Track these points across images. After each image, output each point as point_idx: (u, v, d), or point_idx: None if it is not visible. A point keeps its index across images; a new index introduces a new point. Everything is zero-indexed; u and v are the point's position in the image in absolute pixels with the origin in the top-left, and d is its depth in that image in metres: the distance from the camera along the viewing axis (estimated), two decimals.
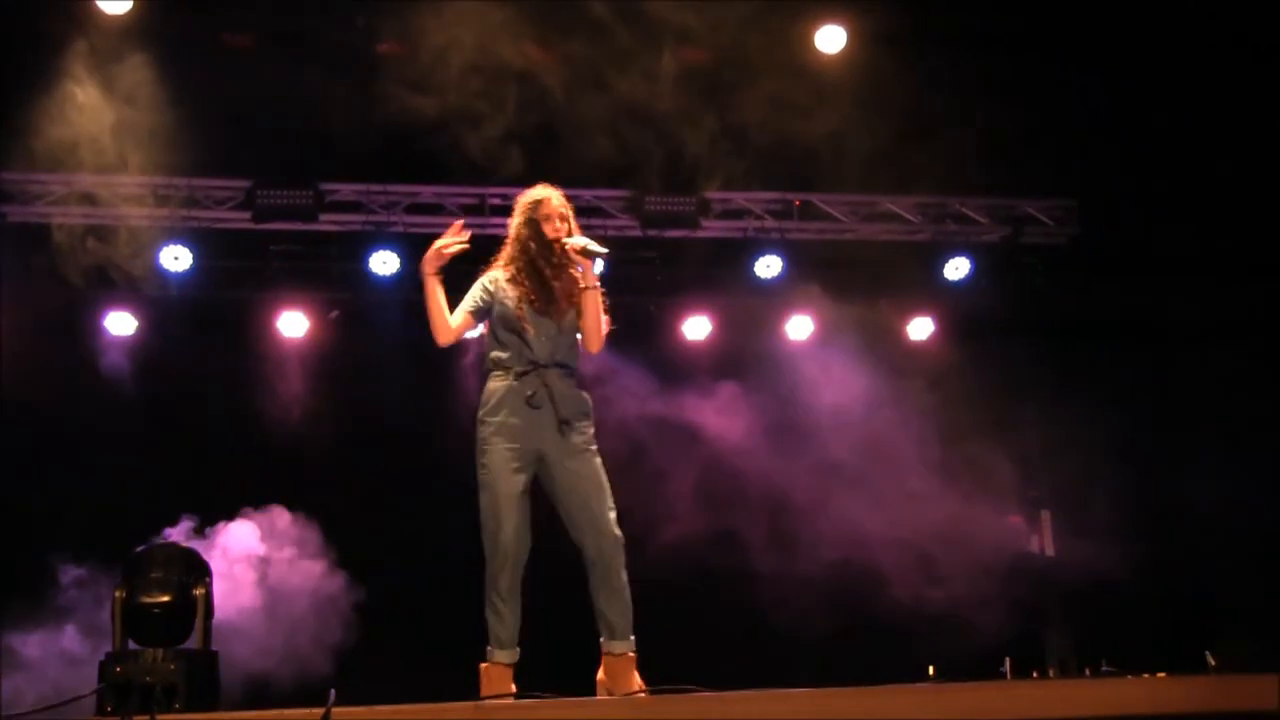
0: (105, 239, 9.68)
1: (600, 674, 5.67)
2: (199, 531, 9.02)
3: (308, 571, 9.25)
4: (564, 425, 5.64)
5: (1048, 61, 9.46)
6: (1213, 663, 6.46)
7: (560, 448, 5.65)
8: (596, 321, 5.79)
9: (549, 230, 5.78)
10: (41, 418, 9.54)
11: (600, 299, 5.81)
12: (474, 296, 5.87)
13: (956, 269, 10.82)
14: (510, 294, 5.76)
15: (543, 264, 5.76)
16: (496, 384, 5.73)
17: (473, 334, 6.10)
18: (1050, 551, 10.47)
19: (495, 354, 5.78)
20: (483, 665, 5.61)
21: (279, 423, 9.99)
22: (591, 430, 5.75)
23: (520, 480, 5.61)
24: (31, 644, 8.67)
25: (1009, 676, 7.83)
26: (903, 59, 9.28)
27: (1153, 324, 10.23)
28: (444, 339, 5.84)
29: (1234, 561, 9.02)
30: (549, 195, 5.85)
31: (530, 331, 5.70)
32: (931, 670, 7.80)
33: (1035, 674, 7.99)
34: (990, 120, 9.56)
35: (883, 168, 9.95)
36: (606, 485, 5.67)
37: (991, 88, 9.47)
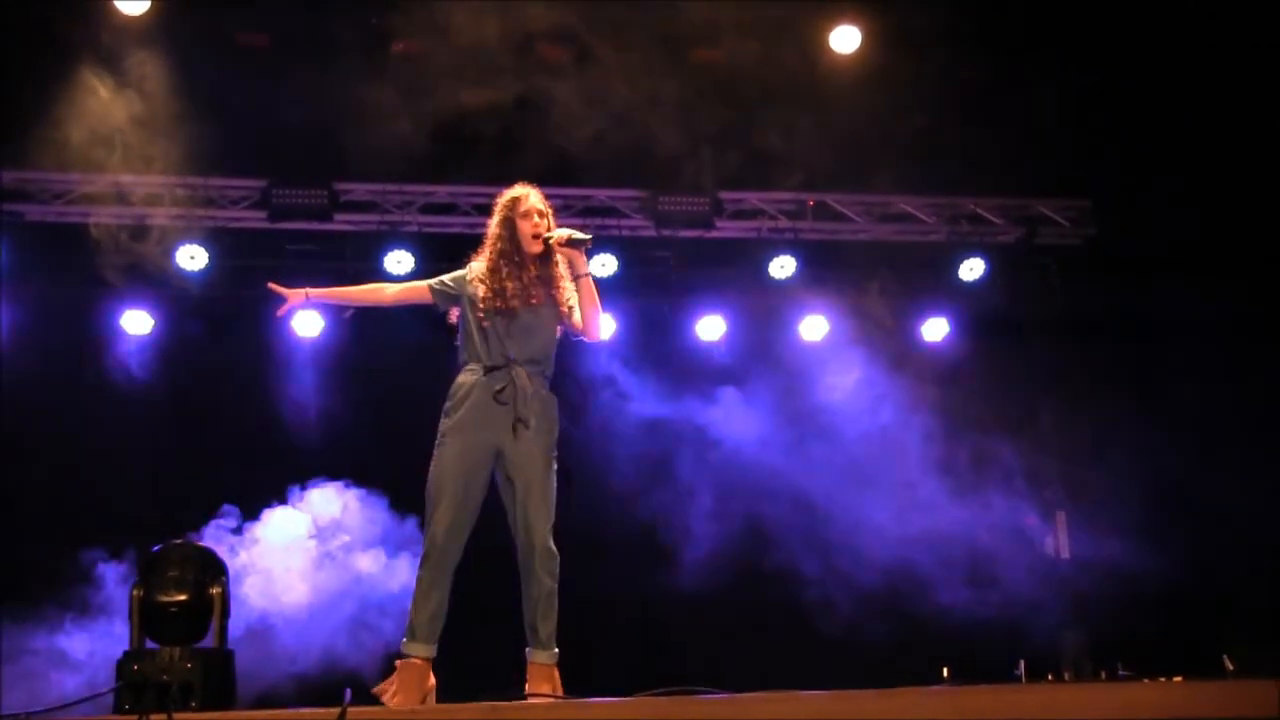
0: (123, 238, 9.72)
1: (528, 684, 5.59)
2: (236, 530, 9.10)
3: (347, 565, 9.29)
4: (520, 424, 5.60)
5: (1063, 61, 9.43)
6: (1231, 667, 6.44)
7: (515, 448, 5.63)
8: (592, 308, 5.80)
9: (526, 227, 5.82)
10: (57, 415, 9.59)
11: (594, 286, 5.82)
12: (443, 277, 5.93)
13: (971, 270, 10.80)
14: (482, 290, 5.77)
15: (515, 261, 5.79)
16: (466, 378, 5.74)
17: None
18: (1066, 553, 10.44)
19: (467, 348, 5.80)
20: (398, 660, 5.50)
21: (293, 422, 10.00)
22: (553, 435, 5.73)
23: (468, 477, 5.58)
24: (78, 643, 8.71)
25: (1024, 679, 7.82)
26: (917, 59, 9.26)
27: (1168, 324, 10.19)
28: (380, 298, 6.12)
29: (1254, 564, 8.99)
30: (526, 193, 5.90)
31: (501, 328, 5.70)
32: (946, 672, 7.79)
33: (1050, 677, 7.98)
34: (1005, 120, 9.55)
35: (897, 168, 9.94)
36: (550, 496, 5.63)
37: (1006, 88, 9.46)
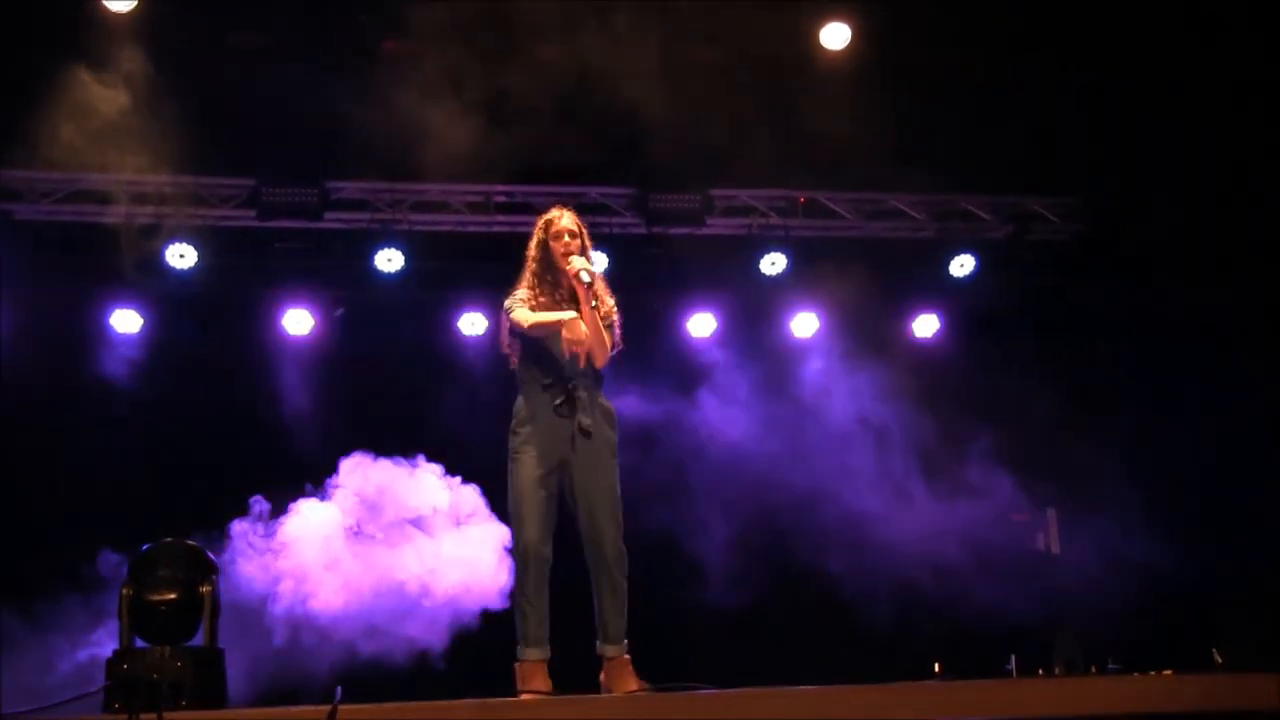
0: (111, 237, 9.71)
1: (601, 676, 5.89)
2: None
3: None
4: (584, 434, 5.90)
5: (1053, 58, 9.44)
6: (1219, 660, 6.45)
7: (581, 456, 5.92)
8: (595, 339, 5.95)
9: (558, 248, 6.07)
10: (46, 413, 9.58)
11: (599, 318, 5.97)
12: (517, 299, 6.12)
13: (962, 266, 10.81)
14: (537, 309, 6.02)
15: (549, 280, 6.08)
16: (526, 396, 6.02)
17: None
18: (1056, 549, 10.45)
19: (524, 369, 6.06)
20: (516, 664, 5.81)
21: (281, 421, 9.97)
22: (613, 443, 6.05)
23: (545, 488, 5.87)
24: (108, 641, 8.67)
25: (1015, 674, 7.83)
26: (908, 56, 9.27)
27: (1158, 320, 10.20)
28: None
29: (1244, 558, 9.00)
30: (558, 215, 6.18)
31: (551, 347, 5.95)
32: (937, 667, 7.80)
33: (1041, 672, 7.99)
34: (996, 117, 9.56)
35: (888, 165, 9.94)
36: (618, 498, 5.96)
37: (997, 85, 9.47)
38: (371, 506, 9.18)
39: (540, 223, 6.22)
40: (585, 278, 5.93)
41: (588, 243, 6.19)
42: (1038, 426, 10.75)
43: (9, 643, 8.55)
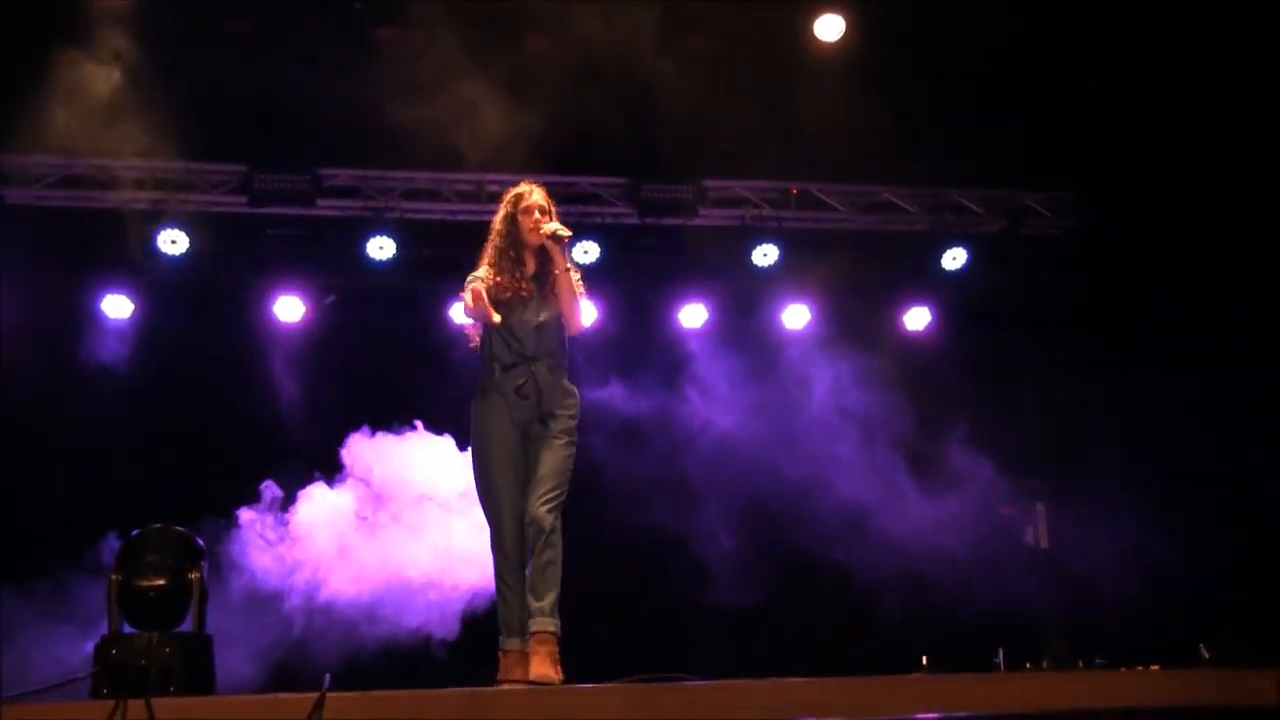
0: (102, 222, 9.69)
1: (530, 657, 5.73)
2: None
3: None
4: (547, 418, 5.80)
5: (1049, 53, 9.44)
6: (1207, 656, 6.46)
7: (539, 434, 5.81)
8: (572, 303, 5.89)
9: (526, 223, 5.91)
10: (39, 399, 9.56)
11: (575, 282, 5.90)
12: (476, 279, 5.93)
13: (954, 259, 10.81)
14: (494, 287, 5.86)
15: (512, 257, 5.91)
16: (488, 377, 5.89)
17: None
18: (1045, 543, 10.48)
19: (486, 348, 5.92)
20: (500, 653, 5.77)
21: (272, 409, 9.96)
22: (574, 421, 5.90)
23: (515, 473, 5.78)
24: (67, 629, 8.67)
25: (1002, 668, 7.84)
26: (902, 48, 9.26)
27: (1149, 316, 10.22)
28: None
29: (1234, 556, 9.01)
30: (528, 189, 6.01)
31: (514, 324, 5.82)
32: (925, 661, 7.81)
33: (1029, 666, 8.00)
34: (990, 111, 9.56)
35: (881, 157, 9.94)
36: (563, 474, 5.79)
37: (991, 77, 9.47)
38: (379, 493, 9.13)
39: (509, 196, 6.04)
40: (564, 232, 5.83)
41: (556, 219, 5.99)
42: (1028, 421, 10.78)
43: (14, 631, 8.54)
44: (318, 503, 9.10)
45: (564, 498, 5.79)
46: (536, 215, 5.91)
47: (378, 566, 8.94)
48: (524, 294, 5.87)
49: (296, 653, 8.83)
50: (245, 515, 9.04)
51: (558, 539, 5.70)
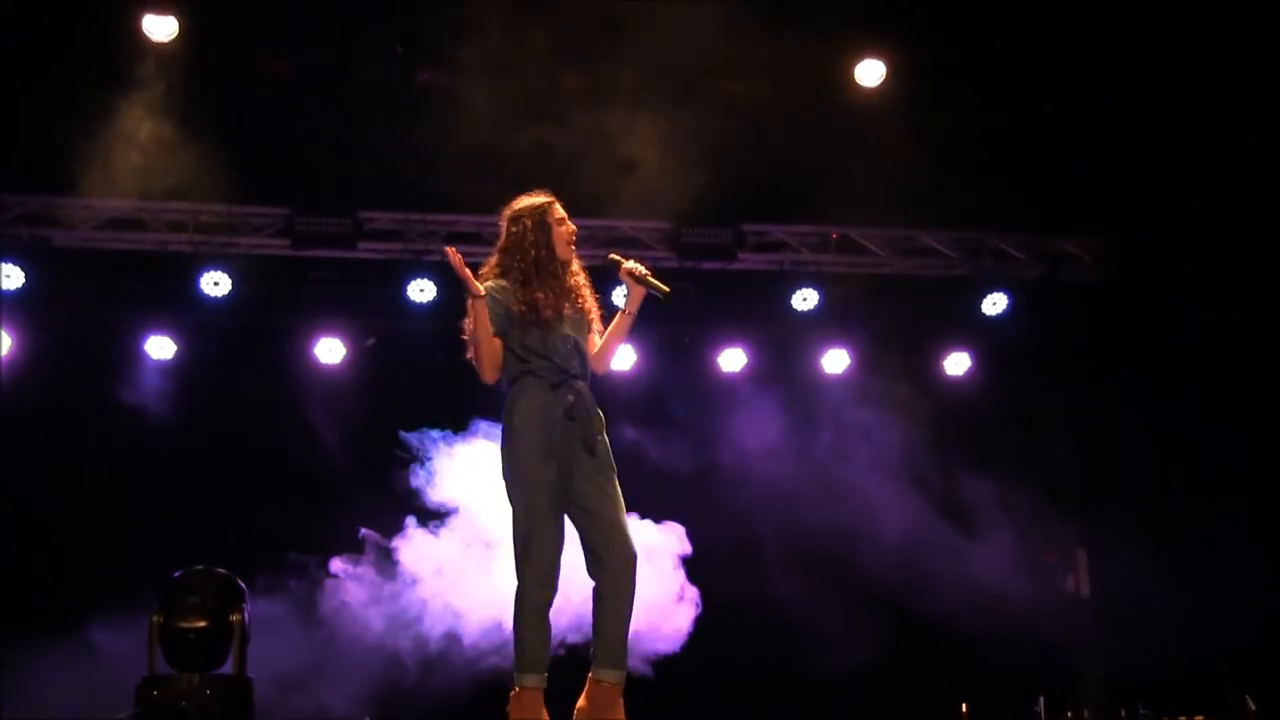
0: (146, 264, 9.81)
1: (581, 701, 5.31)
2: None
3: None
4: (594, 439, 5.35)
5: (1088, 98, 9.43)
6: (1253, 708, 6.38)
7: (588, 462, 5.34)
8: (619, 345, 5.65)
9: (563, 234, 5.50)
10: (80, 439, 9.65)
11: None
12: (495, 316, 5.36)
13: (994, 304, 10.76)
14: (531, 302, 5.39)
15: (551, 270, 5.45)
16: (528, 397, 5.36)
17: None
18: (1086, 591, 10.39)
19: (522, 365, 5.40)
20: (512, 691, 5.27)
21: (313, 451, 10.00)
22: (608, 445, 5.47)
23: (557, 496, 5.27)
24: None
25: (1043, 716, 7.77)
26: (942, 93, 9.27)
27: (1191, 361, 10.14)
28: (492, 376, 5.46)
29: (1275, 603, 8.91)
30: (552, 200, 5.57)
31: (556, 342, 5.38)
32: (965, 708, 7.75)
33: (1069, 714, 7.93)
34: (1029, 156, 9.54)
35: (921, 202, 9.94)
36: (621, 503, 5.40)
37: (1030, 123, 9.46)
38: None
39: (532, 207, 5.50)
40: (663, 287, 5.50)
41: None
42: (1069, 466, 10.70)
43: (53, 671, 8.56)
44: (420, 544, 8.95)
45: None
46: (570, 228, 5.52)
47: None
48: (565, 311, 5.44)
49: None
50: (335, 564, 8.92)
51: None
